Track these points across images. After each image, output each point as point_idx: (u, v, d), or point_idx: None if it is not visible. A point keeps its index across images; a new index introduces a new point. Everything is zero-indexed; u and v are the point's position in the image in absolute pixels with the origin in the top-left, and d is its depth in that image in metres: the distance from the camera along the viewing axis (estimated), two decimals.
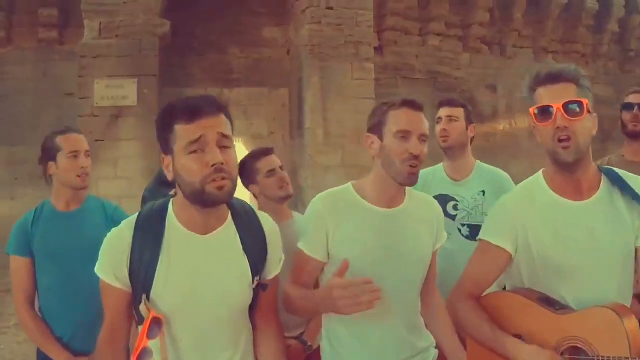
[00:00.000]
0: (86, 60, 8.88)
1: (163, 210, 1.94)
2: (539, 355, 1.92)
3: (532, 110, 2.03)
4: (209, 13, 10.29)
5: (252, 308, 2.03)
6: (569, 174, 2.06)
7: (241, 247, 1.95)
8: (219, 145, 1.79)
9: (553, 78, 2.02)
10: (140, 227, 1.89)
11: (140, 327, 1.86)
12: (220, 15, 10.34)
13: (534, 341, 1.98)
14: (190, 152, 1.78)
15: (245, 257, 1.95)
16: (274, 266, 2.07)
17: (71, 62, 9.49)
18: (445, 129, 3.36)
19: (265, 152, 3.18)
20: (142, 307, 1.85)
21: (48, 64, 10.33)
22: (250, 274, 1.95)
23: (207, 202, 1.81)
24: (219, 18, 10.34)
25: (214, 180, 1.76)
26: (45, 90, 10.21)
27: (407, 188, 2.34)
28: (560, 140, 1.97)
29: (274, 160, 3.12)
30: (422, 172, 3.48)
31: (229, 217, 1.97)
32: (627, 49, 13.84)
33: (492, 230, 2.21)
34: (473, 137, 3.45)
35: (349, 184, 2.36)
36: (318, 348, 2.51)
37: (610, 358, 1.83)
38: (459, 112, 3.39)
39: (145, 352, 1.79)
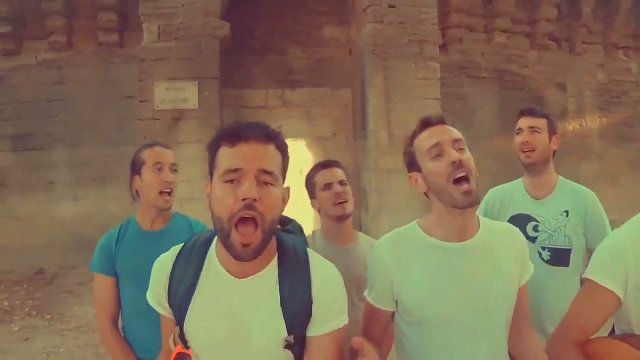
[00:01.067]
0: (146, 64, 8.85)
1: (207, 244, 1.79)
2: None
3: None
4: (269, 13, 10.22)
5: None
6: None
7: (279, 298, 1.69)
8: (258, 181, 1.59)
9: None
10: (181, 259, 1.78)
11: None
12: (280, 15, 10.27)
13: None
14: (226, 182, 1.60)
15: (281, 311, 1.68)
16: (325, 322, 1.73)
17: (131, 64, 9.54)
18: (528, 142, 3.08)
19: (326, 164, 2.98)
20: (170, 340, 1.74)
21: (108, 67, 10.37)
22: (283, 331, 1.68)
23: (230, 252, 1.61)
24: (278, 18, 10.26)
25: (239, 227, 1.57)
26: (106, 94, 10.27)
27: (482, 219, 2.12)
28: None
29: (334, 174, 2.91)
30: (500, 188, 3.23)
31: (275, 259, 1.74)
32: None
33: (601, 269, 1.99)
34: (556, 150, 3.16)
35: (414, 222, 2.13)
36: None
37: None
38: (542, 123, 3.11)
39: None
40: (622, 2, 11.93)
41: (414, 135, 2.07)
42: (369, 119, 8.85)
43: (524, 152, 3.10)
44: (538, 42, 11.33)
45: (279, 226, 1.85)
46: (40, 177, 10.32)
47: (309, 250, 1.82)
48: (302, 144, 10.85)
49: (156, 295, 1.80)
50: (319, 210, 2.99)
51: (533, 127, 3.10)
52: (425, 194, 2.09)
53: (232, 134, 1.64)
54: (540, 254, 3.00)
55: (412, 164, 2.07)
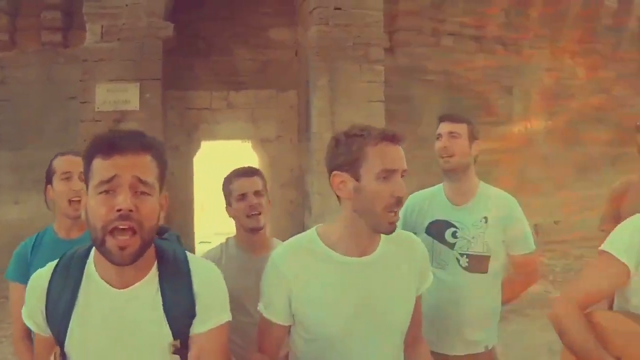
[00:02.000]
0: (88, 64, 8.69)
1: (85, 256, 1.74)
2: None
3: None
4: (215, 15, 10.13)
5: None
6: None
7: (162, 305, 1.68)
8: (134, 191, 1.58)
9: None
10: (58, 273, 1.71)
11: None
12: (226, 16, 10.19)
13: None
14: (100, 193, 1.57)
15: (165, 317, 1.68)
16: (208, 319, 1.75)
17: (75, 65, 9.30)
18: (446, 147, 3.05)
19: (244, 172, 2.96)
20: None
21: (52, 68, 10.20)
22: (169, 337, 1.68)
23: (107, 258, 1.58)
24: (224, 20, 10.19)
25: (115, 229, 1.55)
26: (50, 94, 10.09)
27: None
28: None
29: (251, 183, 2.89)
30: (420, 194, 3.24)
31: (155, 267, 1.72)
32: None
33: (620, 244, 2.10)
34: (477, 155, 3.15)
35: (313, 231, 2.09)
36: None
37: None
38: (462, 128, 3.08)
39: None
40: (570, 8, 12.12)
41: (370, 141, 1.95)
42: (313, 121, 8.84)
43: (443, 157, 3.07)
44: (485, 46, 11.48)
45: (156, 235, 1.80)
46: None
47: (188, 253, 1.82)
48: (248, 146, 10.85)
49: (31, 315, 1.74)
50: (234, 218, 2.97)
51: (452, 133, 3.06)
52: (338, 197, 2.05)
53: (107, 146, 1.62)
54: (458, 261, 2.99)
55: (348, 166, 1.97)
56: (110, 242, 1.56)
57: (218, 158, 14.22)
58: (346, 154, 1.97)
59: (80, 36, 9.48)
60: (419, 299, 2.18)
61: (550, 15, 11.94)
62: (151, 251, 1.72)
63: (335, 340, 1.98)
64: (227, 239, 3.06)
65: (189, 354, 1.71)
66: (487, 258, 2.97)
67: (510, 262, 3.09)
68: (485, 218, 2.99)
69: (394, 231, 1.98)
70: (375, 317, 1.99)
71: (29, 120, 10.07)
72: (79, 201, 2.73)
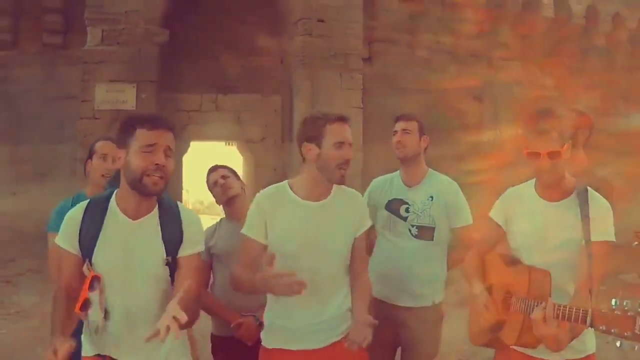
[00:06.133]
0: (89, 66, 9.39)
1: (108, 198, 2.58)
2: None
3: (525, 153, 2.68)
4: (207, 23, 10.70)
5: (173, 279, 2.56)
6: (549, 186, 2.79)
7: (160, 232, 2.53)
8: (165, 154, 2.43)
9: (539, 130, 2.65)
10: (89, 210, 2.55)
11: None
12: (217, 25, 10.74)
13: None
14: (144, 152, 2.40)
15: (162, 241, 2.52)
16: (190, 248, 2.57)
17: (74, 66, 9.92)
18: (399, 141, 3.75)
19: (212, 168, 3.85)
20: (85, 268, 2.46)
21: (52, 68, 10.71)
22: (164, 253, 2.52)
23: (143, 191, 2.43)
24: (215, 28, 10.74)
25: (151, 175, 2.39)
26: (48, 93, 10.58)
27: (335, 186, 2.89)
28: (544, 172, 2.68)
29: (217, 173, 3.75)
30: (381, 178, 3.98)
31: (156, 208, 2.57)
32: (613, 63, 14.19)
33: (493, 210, 3.02)
34: (426, 147, 3.84)
35: (285, 182, 2.95)
36: None
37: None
38: (413, 125, 3.77)
39: (87, 302, 2.41)
40: (537, 22, 12.81)
41: (328, 121, 2.78)
42: (296, 124, 9.41)
43: (397, 149, 3.77)
44: (458, 57, 12.12)
45: None
46: None
47: (178, 202, 2.71)
48: (234, 147, 11.37)
49: (69, 240, 2.51)
50: (217, 203, 3.84)
51: (405, 130, 3.75)
52: (304, 160, 2.90)
53: (151, 122, 2.46)
54: (410, 231, 3.65)
55: (313, 139, 2.79)
56: (147, 179, 2.39)
57: (204, 161, 14.64)
58: (312, 130, 2.83)
59: (79, 39, 10.11)
60: (359, 241, 2.97)
61: (521, 30, 12.62)
62: (153, 198, 2.55)
63: (292, 257, 2.75)
64: (221, 219, 3.87)
65: (177, 272, 2.51)
66: (433, 229, 3.65)
67: (451, 233, 3.78)
68: (432, 197, 3.68)
69: (343, 182, 2.82)
70: (320, 243, 2.80)
71: (28, 117, 10.57)
72: (107, 175, 3.62)
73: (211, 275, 3.71)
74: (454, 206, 3.72)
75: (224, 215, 3.82)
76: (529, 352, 2.68)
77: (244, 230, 2.88)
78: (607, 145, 7.92)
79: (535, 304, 2.42)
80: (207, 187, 3.84)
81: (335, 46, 9.81)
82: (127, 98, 9.31)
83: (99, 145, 3.74)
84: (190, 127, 10.78)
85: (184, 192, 11.36)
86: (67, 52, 10.70)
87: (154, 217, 2.55)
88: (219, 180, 3.70)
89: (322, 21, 9.80)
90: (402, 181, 3.83)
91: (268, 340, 2.92)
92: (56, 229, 3.39)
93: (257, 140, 10.96)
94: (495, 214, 2.99)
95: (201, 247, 2.67)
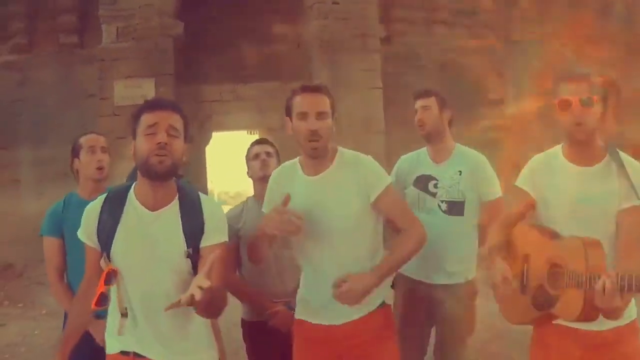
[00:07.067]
0: (105, 64, 9.39)
1: (126, 190, 2.50)
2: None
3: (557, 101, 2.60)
4: (221, 13, 10.67)
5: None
6: (579, 147, 2.66)
7: (181, 224, 2.43)
8: (168, 133, 2.32)
9: (571, 77, 2.60)
10: (107, 202, 2.49)
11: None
12: (232, 14, 10.70)
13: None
14: (147, 134, 2.32)
15: (182, 232, 2.42)
16: (212, 238, 2.45)
17: (91, 65, 9.94)
18: (420, 119, 3.69)
19: (259, 141, 3.75)
20: (102, 262, 2.41)
21: (69, 68, 10.71)
22: (184, 246, 2.41)
23: (150, 172, 2.34)
24: (231, 17, 10.69)
25: (156, 155, 2.29)
26: (67, 93, 10.58)
27: (339, 153, 2.80)
28: (577, 125, 2.56)
29: (263, 147, 3.63)
30: (408, 156, 3.91)
31: (176, 197, 2.47)
32: (636, 32, 13.91)
33: (520, 179, 2.88)
34: (451, 120, 3.77)
35: (297, 159, 2.87)
36: None
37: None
38: (432, 101, 3.69)
39: (103, 296, 2.39)
40: None
41: (294, 93, 2.71)
42: None
43: (420, 127, 3.71)
44: (477, 32, 11.97)
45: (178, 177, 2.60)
46: (6, 176, 10.64)
47: (199, 192, 2.61)
48: (256, 136, 11.32)
49: (87, 233, 2.46)
50: (251, 177, 3.68)
51: (424, 107, 3.69)
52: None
53: (151, 105, 2.41)
54: (440, 206, 3.60)
55: (287, 113, 2.74)
56: (153, 159, 2.29)
57: (228, 151, 14.69)
58: (287, 104, 2.76)
59: (95, 37, 10.10)
60: (382, 201, 2.75)
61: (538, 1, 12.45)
62: (174, 186, 2.47)
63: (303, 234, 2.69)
64: (248, 198, 3.76)
65: (199, 262, 2.39)
66: (462, 203, 3.59)
67: (481, 208, 3.71)
68: (460, 171, 3.62)
69: (319, 154, 2.69)
70: (320, 216, 2.71)
71: (48, 119, 10.54)
72: (103, 168, 3.52)
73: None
74: (484, 179, 3.65)
75: (253, 196, 3.69)
76: (570, 324, 2.58)
77: (263, 209, 2.89)
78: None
79: (594, 276, 2.30)
80: (245, 158, 3.72)
81: (352, 28, 9.70)
82: (146, 93, 9.25)
83: (84, 140, 3.56)
84: (212, 118, 10.73)
85: (209, 182, 11.36)
86: (84, 52, 10.69)
87: (174, 207, 2.46)
88: (262, 155, 3.58)
89: (337, 3, 9.68)
90: (429, 157, 3.76)
91: (297, 311, 2.94)
92: (48, 232, 3.47)
93: (278, 128, 10.76)
94: (523, 182, 2.84)
95: (224, 237, 2.54)
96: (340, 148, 2.84)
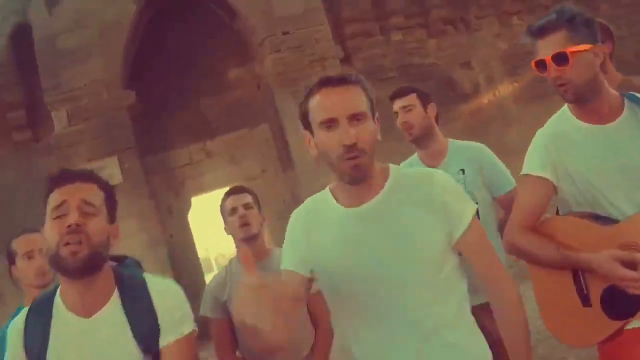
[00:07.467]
0: (63, 151, 8.90)
1: (52, 295, 1.92)
2: (609, 254, 2.03)
3: (532, 63, 2.25)
4: (171, 72, 10.25)
5: None
6: (585, 105, 2.23)
7: (129, 325, 1.85)
8: (81, 212, 1.79)
9: (540, 31, 2.21)
10: (31, 315, 1.90)
11: None
12: (183, 71, 10.31)
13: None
14: (55, 218, 1.79)
15: (132, 337, 1.85)
16: (172, 333, 1.90)
17: (52, 156, 9.41)
18: (405, 122, 3.27)
19: (233, 190, 3.16)
20: None
21: (29, 164, 10.24)
22: (138, 352, 1.85)
23: (63, 269, 1.78)
24: (182, 75, 10.30)
25: (68, 243, 1.75)
26: (32, 191, 9.85)
27: (392, 170, 1.97)
28: (559, 86, 2.19)
29: (239, 199, 3.08)
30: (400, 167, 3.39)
31: (115, 291, 1.91)
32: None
33: (532, 163, 2.32)
34: (437, 115, 3.36)
35: (327, 188, 2.03)
36: None
37: None
38: (413, 99, 3.30)
39: None
40: None
41: (311, 91, 1.88)
42: (292, 147, 9.03)
43: (406, 131, 3.29)
44: (434, 30, 11.64)
45: (115, 263, 2.05)
46: None
47: (146, 274, 2.01)
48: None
49: (13, 357, 1.89)
50: (230, 235, 3.14)
51: (405, 107, 3.28)
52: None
53: (52, 181, 1.91)
54: None
55: (305, 122, 1.90)
56: (63, 250, 1.77)
57: (211, 212, 14.25)
58: (301, 110, 1.92)
59: (49, 127, 9.57)
60: (465, 242, 1.90)
61: None
62: (110, 278, 1.92)
63: (345, 294, 1.91)
64: (231, 260, 3.24)
65: None
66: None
67: (497, 204, 3.27)
68: (462, 170, 3.19)
69: (360, 176, 1.82)
70: (371, 267, 1.85)
71: (18, 222, 10.00)
72: (46, 274, 2.89)
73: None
74: (492, 172, 3.25)
75: (237, 256, 3.17)
76: None
77: (282, 265, 2.01)
78: None
79: None
80: (221, 215, 3.16)
81: (308, 54, 9.26)
82: (112, 172, 8.71)
83: (17, 244, 2.99)
84: (187, 183, 10.26)
85: (202, 250, 10.84)
86: (40, 145, 10.22)
87: (113, 306, 1.88)
88: (239, 210, 3.03)
89: (287, 33, 9.26)
90: (423, 164, 3.33)
91: None
92: None
93: (257, 175, 10.43)
94: (536, 167, 2.29)
95: (189, 327, 1.93)
96: (391, 165, 2.01)
